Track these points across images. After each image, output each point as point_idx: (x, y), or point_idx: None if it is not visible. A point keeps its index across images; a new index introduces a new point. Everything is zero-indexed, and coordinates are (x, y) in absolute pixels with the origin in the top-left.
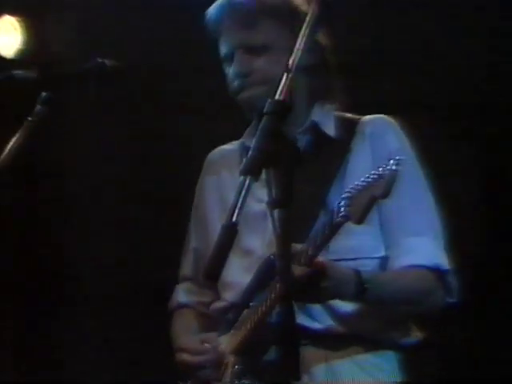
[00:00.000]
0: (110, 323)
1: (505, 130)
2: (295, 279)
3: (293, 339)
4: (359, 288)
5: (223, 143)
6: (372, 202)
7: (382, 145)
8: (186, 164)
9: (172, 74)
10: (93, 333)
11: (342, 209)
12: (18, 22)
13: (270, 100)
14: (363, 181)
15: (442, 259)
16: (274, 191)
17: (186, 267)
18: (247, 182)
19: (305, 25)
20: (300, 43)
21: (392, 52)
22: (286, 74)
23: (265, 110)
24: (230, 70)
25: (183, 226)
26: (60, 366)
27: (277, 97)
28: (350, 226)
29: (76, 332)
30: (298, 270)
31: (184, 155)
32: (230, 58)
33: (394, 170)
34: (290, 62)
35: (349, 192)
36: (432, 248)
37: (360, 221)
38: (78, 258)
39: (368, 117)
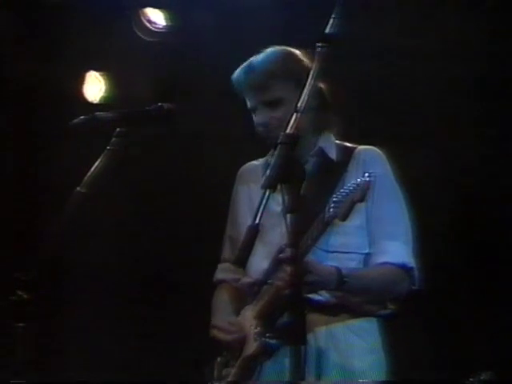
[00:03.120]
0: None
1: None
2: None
3: (300, 309)
4: (340, 281)
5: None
6: (352, 204)
7: (371, 170)
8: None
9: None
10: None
11: (332, 210)
12: (101, 75)
13: (282, 133)
14: (346, 189)
15: (409, 259)
16: (286, 201)
17: (225, 251)
18: (267, 193)
19: (310, 76)
20: (306, 90)
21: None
22: (295, 114)
23: (279, 141)
24: (255, 119)
25: None
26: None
27: (288, 131)
28: (344, 227)
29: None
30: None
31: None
32: (254, 109)
33: (368, 181)
34: (299, 104)
35: (336, 197)
36: (402, 250)
37: (344, 218)
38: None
39: (363, 147)
